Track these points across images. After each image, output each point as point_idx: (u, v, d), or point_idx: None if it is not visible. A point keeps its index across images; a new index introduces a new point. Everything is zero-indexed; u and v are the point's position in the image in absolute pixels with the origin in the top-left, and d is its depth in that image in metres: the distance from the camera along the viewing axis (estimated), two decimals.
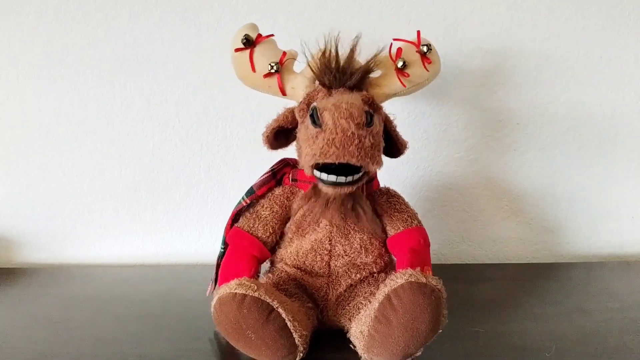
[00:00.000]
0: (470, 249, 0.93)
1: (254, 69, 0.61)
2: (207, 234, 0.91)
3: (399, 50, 0.63)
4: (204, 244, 0.92)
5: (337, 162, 0.49)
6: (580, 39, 0.84)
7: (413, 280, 0.51)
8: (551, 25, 0.84)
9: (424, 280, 0.51)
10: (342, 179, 0.51)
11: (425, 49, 0.62)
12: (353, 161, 0.49)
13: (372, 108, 0.55)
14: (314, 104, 0.52)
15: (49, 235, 0.91)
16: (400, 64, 0.61)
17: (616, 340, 0.61)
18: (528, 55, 0.85)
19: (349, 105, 0.50)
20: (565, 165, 0.89)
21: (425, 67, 0.63)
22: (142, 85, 0.86)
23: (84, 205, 0.90)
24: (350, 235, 0.60)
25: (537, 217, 0.91)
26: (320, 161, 0.50)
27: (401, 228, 0.61)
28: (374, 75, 0.61)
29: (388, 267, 0.63)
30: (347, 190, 0.53)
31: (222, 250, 0.64)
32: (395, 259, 0.63)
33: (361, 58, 0.60)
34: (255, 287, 0.52)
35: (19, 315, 0.70)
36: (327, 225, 0.60)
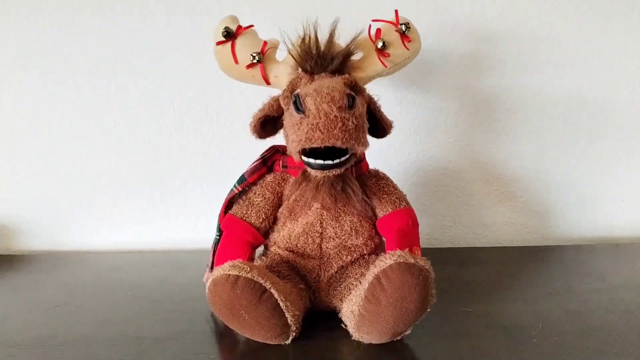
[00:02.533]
0: (462, 233, 0.94)
1: (236, 61, 0.62)
2: (203, 221, 0.93)
3: (378, 30, 0.63)
4: (200, 230, 0.93)
5: (322, 145, 0.51)
6: (571, 24, 0.85)
7: (401, 260, 0.52)
8: (542, 11, 0.85)
9: (412, 260, 0.53)
10: (329, 161, 0.53)
11: (403, 27, 0.63)
12: (338, 144, 0.51)
13: (355, 90, 0.56)
14: (297, 90, 0.53)
15: (48, 223, 0.93)
16: (380, 44, 0.62)
17: (601, 319, 0.63)
18: (519, 41, 0.86)
19: (330, 89, 0.51)
20: (556, 149, 0.90)
21: (405, 45, 0.63)
22: (137, 75, 0.87)
23: (82, 194, 0.92)
24: (340, 218, 0.62)
25: (528, 201, 0.93)
26: (307, 146, 0.52)
27: (390, 210, 0.63)
28: (355, 58, 0.62)
29: (378, 249, 0.65)
30: (335, 172, 0.55)
31: (217, 237, 0.66)
32: (385, 240, 0.64)
33: (341, 42, 0.61)
34: (248, 269, 0.53)
35: (19, 301, 0.71)
36: (318, 209, 0.61)
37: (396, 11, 0.64)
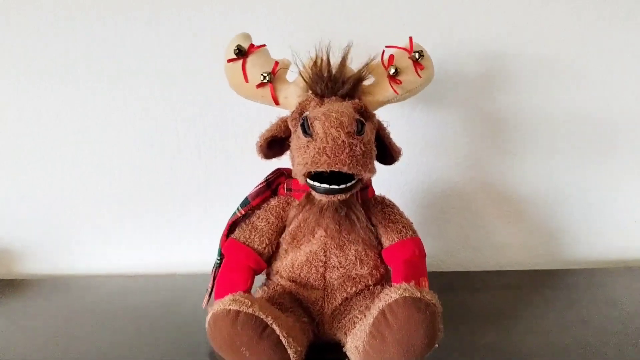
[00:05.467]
0: (471, 256, 0.92)
1: (246, 79, 0.61)
2: (207, 243, 0.91)
3: (391, 57, 0.63)
4: (203, 253, 0.91)
5: (328, 170, 0.50)
6: (578, 41, 0.83)
7: (407, 295, 0.50)
8: (551, 29, 0.83)
9: (418, 294, 0.51)
10: (334, 186, 0.52)
11: (417, 55, 0.62)
12: (345, 169, 0.50)
13: (364, 116, 0.55)
14: (305, 113, 0.52)
15: (50, 246, 0.92)
16: (392, 71, 0.61)
17: (616, 352, 0.60)
18: (526, 59, 0.84)
19: (339, 114, 0.50)
20: (566, 169, 0.88)
21: (417, 73, 0.62)
22: (140, 96, 0.86)
23: (84, 216, 0.91)
24: (345, 247, 0.60)
25: (539, 222, 0.90)
26: (313, 170, 0.51)
27: (395, 239, 0.61)
28: (367, 83, 0.61)
29: (384, 279, 0.63)
30: (340, 197, 0.54)
31: (218, 261, 0.64)
32: (391, 270, 0.62)
33: (353, 66, 0.60)
34: (249, 303, 0.51)
35: (18, 329, 0.70)
36: (322, 237, 0.60)
37: (410, 38, 0.63)
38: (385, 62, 0.62)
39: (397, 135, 0.85)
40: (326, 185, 0.52)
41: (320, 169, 0.50)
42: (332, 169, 0.50)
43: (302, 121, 0.51)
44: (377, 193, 0.66)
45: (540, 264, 0.92)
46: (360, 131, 0.50)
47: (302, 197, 0.58)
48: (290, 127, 0.58)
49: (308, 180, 0.53)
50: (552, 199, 0.89)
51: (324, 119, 0.50)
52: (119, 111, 0.86)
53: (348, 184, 0.52)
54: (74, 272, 0.92)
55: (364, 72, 0.59)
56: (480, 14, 0.82)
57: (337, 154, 0.49)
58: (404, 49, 0.63)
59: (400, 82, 0.61)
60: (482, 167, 0.88)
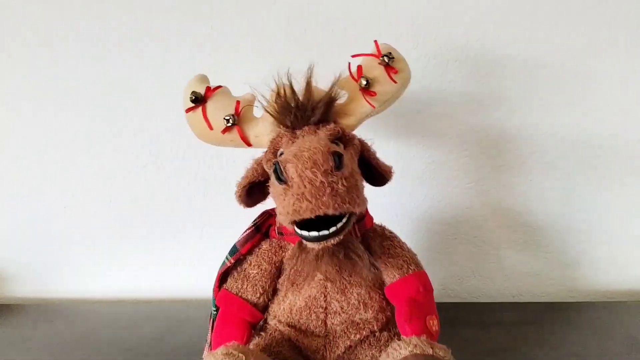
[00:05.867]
0: (481, 284, 0.87)
1: (210, 127, 0.56)
2: (203, 267, 0.87)
3: (359, 68, 0.56)
4: (199, 277, 0.87)
5: (313, 216, 0.45)
6: (605, 60, 0.78)
7: (418, 352, 0.47)
8: (575, 44, 0.77)
9: (430, 351, 0.47)
10: (325, 232, 0.46)
11: (386, 59, 0.55)
12: (330, 211, 0.45)
13: (343, 141, 0.51)
14: (275, 159, 0.47)
15: (38, 268, 0.88)
16: (363, 83, 0.55)
17: None
18: (546, 77, 0.78)
19: (311, 152, 0.45)
20: (585, 195, 0.83)
21: (391, 78, 0.56)
22: (132, 112, 0.81)
23: (74, 237, 0.87)
24: (347, 290, 0.55)
25: (554, 250, 0.85)
26: (296, 219, 0.46)
27: (397, 276, 0.56)
28: (340, 101, 0.55)
29: (390, 323, 0.58)
30: (334, 241, 0.48)
31: (215, 312, 0.59)
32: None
33: (322, 86, 0.55)
34: (244, 357, 0.47)
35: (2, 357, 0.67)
36: (321, 280, 0.55)
37: (375, 42, 0.57)
38: (355, 74, 0.56)
39: (402, 159, 0.81)
40: (315, 233, 0.46)
41: (304, 217, 0.45)
42: (316, 214, 0.45)
43: (273, 166, 0.46)
44: (376, 222, 0.60)
45: (552, 294, 0.87)
46: (338, 165, 0.45)
47: (295, 245, 0.52)
48: (265, 168, 0.53)
49: (296, 229, 0.47)
50: (568, 226, 0.84)
51: (296, 161, 0.44)
52: (108, 128, 0.82)
53: (339, 225, 0.47)
54: (64, 296, 0.88)
55: (334, 92, 0.53)
56: (494, 27, 0.77)
57: (318, 197, 0.44)
58: (372, 55, 0.57)
59: (375, 94, 0.55)
60: (496, 192, 0.83)
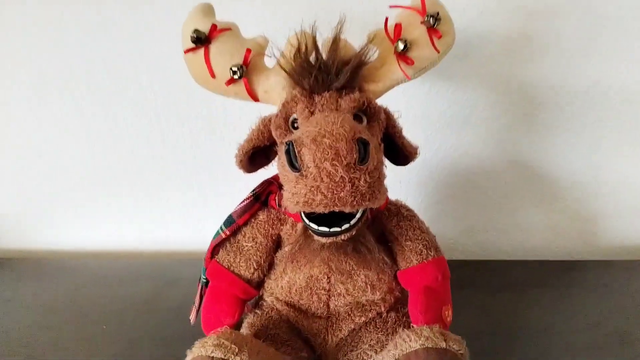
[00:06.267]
0: (493, 238, 0.82)
1: (212, 74, 0.47)
2: (194, 220, 0.81)
3: (398, 27, 0.47)
4: (192, 230, 0.82)
5: (326, 211, 0.39)
6: None
7: (430, 345, 0.42)
8: None
9: (443, 344, 0.42)
10: (336, 228, 0.41)
11: (432, 20, 0.46)
12: (347, 209, 0.39)
13: (368, 114, 0.44)
14: (289, 139, 0.39)
15: (21, 219, 0.82)
16: (400, 47, 0.46)
17: None
18: (579, 18, 0.67)
19: (334, 137, 0.37)
20: (612, 146, 0.75)
21: (434, 45, 0.47)
22: (112, 62, 0.71)
23: (57, 190, 0.80)
24: (353, 273, 0.49)
25: (574, 204, 0.79)
26: (306, 210, 0.39)
27: (414, 261, 0.50)
28: (370, 60, 0.46)
29: (399, 303, 0.52)
30: (345, 237, 0.42)
31: (205, 279, 0.53)
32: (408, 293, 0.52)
33: (352, 41, 0.46)
34: (237, 349, 0.42)
35: None
36: (324, 259, 0.49)
37: None
38: (391, 33, 0.47)
39: (417, 106, 0.72)
40: (325, 229, 0.40)
41: (316, 211, 0.39)
42: (331, 210, 0.38)
43: (286, 147, 0.38)
44: (391, 198, 0.53)
45: (568, 248, 0.82)
46: (363, 158, 0.37)
47: (298, 229, 0.46)
48: (274, 136, 0.45)
49: (304, 218, 0.41)
50: (592, 178, 0.77)
51: (314, 148, 0.37)
52: (88, 77, 0.73)
53: (353, 222, 0.41)
54: (46, 247, 0.83)
55: (364, 55, 0.44)
56: None
57: (335, 192, 0.37)
58: (415, 9, 0.47)
59: (412, 62, 0.46)
60: (515, 142, 0.75)
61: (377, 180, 0.39)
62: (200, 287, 0.55)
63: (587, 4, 0.66)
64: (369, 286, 0.50)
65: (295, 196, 0.38)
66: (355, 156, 0.37)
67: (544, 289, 0.70)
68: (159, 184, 0.79)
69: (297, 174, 0.38)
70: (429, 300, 0.49)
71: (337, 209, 0.38)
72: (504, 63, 0.70)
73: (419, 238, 0.51)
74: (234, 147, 0.76)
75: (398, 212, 0.52)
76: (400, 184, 0.78)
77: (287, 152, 0.38)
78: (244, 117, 0.74)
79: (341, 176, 0.37)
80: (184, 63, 0.49)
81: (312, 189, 0.37)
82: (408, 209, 0.53)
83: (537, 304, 0.66)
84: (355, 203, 0.38)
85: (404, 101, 0.71)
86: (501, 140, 0.75)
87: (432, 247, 0.51)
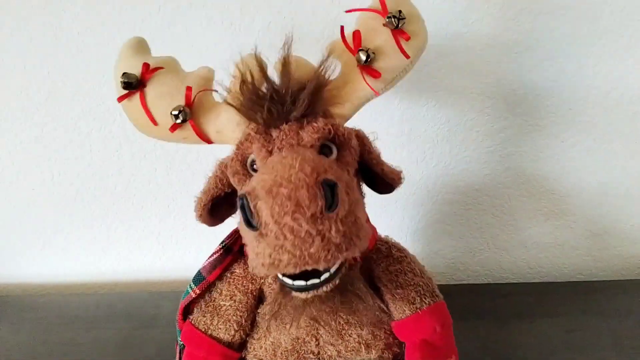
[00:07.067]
0: (496, 256, 0.76)
1: (154, 122, 0.40)
2: (172, 247, 0.74)
3: (356, 35, 0.40)
4: (169, 257, 0.75)
5: (297, 272, 0.32)
6: None
7: None
8: None
9: None
10: (315, 280, 0.34)
11: (395, 20, 0.39)
12: (321, 265, 0.32)
13: (337, 143, 0.37)
14: (242, 192, 0.32)
15: None
16: (362, 58, 0.39)
17: None
18: (590, 20, 0.61)
19: (292, 186, 0.30)
20: (627, 159, 0.69)
21: (402, 49, 0.39)
22: (68, 66, 0.64)
23: (19, 219, 0.73)
24: (344, 332, 0.43)
25: (583, 219, 0.73)
26: (274, 273, 0.33)
27: (407, 312, 0.44)
28: (331, 78, 0.39)
29: (398, 358, 0.46)
30: (327, 288, 0.35)
31: (182, 344, 0.46)
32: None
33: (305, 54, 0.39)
34: None
35: None
36: (311, 319, 0.43)
37: None
38: (351, 43, 0.40)
39: (413, 119, 0.66)
40: (301, 282, 0.34)
41: (286, 272, 0.32)
42: (301, 270, 0.32)
43: (240, 202, 0.31)
44: (381, 234, 0.47)
45: (576, 265, 0.76)
46: (331, 205, 0.31)
47: (275, 287, 0.39)
48: (232, 183, 0.39)
49: (277, 275, 0.35)
50: (604, 193, 0.71)
51: (271, 201, 0.30)
52: (40, 88, 0.65)
53: (333, 270, 0.34)
54: (14, 282, 0.76)
55: (323, 75, 0.37)
56: None
57: (303, 249, 0.30)
58: (373, 10, 0.40)
59: (379, 75, 0.39)
60: (521, 156, 0.68)
61: (352, 225, 0.32)
62: (178, 350, 0.48)
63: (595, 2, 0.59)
64: (363, 346, 0.43)
65: (259, 257, 0.32)
66: (320, 204, 0.30)
67: (555, 318, 0.64)
68: (132, 210, 0.72)
69: (255, 232, 0.31)
70: (425, 357, 0.43)
71: (309, 268, 0.31)
72: (508, 71, 0.63)
73: (411, 283, 0.44)
74: (212, 166, 0.70)
75: (389, 254, 0.45)
76: (396, 203, 0.71)
77: (242, 208, 0.31)
78: None
79: (306, 230, 0.30)
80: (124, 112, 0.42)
81: (277, 247, 0.31)
82: (399, 249, 0.46)
83: (548, 335, 0.61)
84: (330, 257, 0.31)
85: (398, 115, 0.65)
86: (504, 154, 0.68)
87: (427, 292, 0.44)
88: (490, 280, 0.77)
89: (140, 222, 0.73)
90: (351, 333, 0.43)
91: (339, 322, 0.42)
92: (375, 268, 0.44)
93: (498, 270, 0.77)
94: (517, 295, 0.69)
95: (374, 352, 0.44)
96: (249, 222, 0.31)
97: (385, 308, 0.44)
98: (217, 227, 0.71)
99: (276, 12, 0.59)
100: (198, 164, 0.69)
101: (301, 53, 0.39)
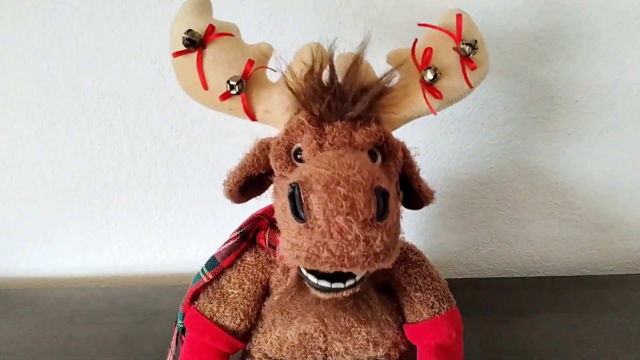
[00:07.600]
0: (500, 250, 0.75)
1: (205, 86, 0.39)
2: (173, 241, 0.74)
3: (428, 52, 0.40)
4: (169, 252, 0.75)
5: (331, 271, 0.32)
6: None
7: None
8: None
9: None
10: (339, 284, 0.34)
11: (468, 48, 0.40)
12: (357, 270, 0.32)
13: (383, 151, 0.37)
14: (295, 182, 0.31)
15: None
16: (429, 76, 0.39)
17: None
18: (598, 11, 0.60)
19: (350, 187, 0.30)
20: (634, 152, 0.68)
21: (466, 77, 0.40)
22: (68, 60, 0.63)
23: (21, 214, 0.72)
24: (353, 330, 0.43)
25: (588, 213, 0.72)
26: (306, 267, 0.33)
27: (425, 315, 0.44)
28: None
29: (404, 358, 0.46)
30: (347, 294, 0.35)
31: (181, 325, 0.47)
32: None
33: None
34: None
35: None
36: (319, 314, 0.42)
37: (459, 16, 0.40)
38: (419, 58, 0.40)
39: None
40: (326, 284, 0.34)
41: (320, 269, 0.32)
42: (337, 271, 0.32)
43: (290, 190, 0.31)
44: None
45: (582, 259, 0.76)
46: (382, 213, 0.30)
47: (291, 278, 0.39)
48: (273, 166, 0.38)
49: (302, 270, 0.35)
50: (609, 186, 0.70)
51: (326, 197, 0.30)
52: (40, 84, 0.64)
53: (357, 278, 0.34)
54: (15, 276, 0.76)
55: (387, 83, 0.37)
56: None
57: (345, 251, 0.30)
58: (447, 31, 0.41)
59: (441, 96, 0.39)
60: (525, 149, 0.68)
61: (394, 237, 0.32)
62: (176, 332, 0.48)
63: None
64: (371, 343, 0.43)
65: (295, 248, 0.31)
66: (373, 211, 0.30)
67: (561, 314, 0.63)
68: (133, 205, 0.71)
69: (301, 223, 0.31)
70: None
71: (345, 270, 0.31)
72: (515, 62, 0.63)
73: (430, 287, 0.44)
74: (213, 161, 0.70)
75: (405, 258, 0.45)
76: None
77: (291, 197, 0.31)
78: (222, 129, 0.66)
79: (356, 234, 0.30)
80: (173, 67, 0.41)
81: (318, 244, 0.30)
82: (416, 252, 0.46)
83: (552, 330, 0.61)
84: (367, 264, 0.31)
85: None
86: (509, 147, 0.68)
87: (445, 297, 0.45)
88: (494, 275, 0.76)
89: (140, 217, 0.72)
90: (360, 330, 0.43)
91: (348, 320, 0.42)
92: (394, 272, 0.44)
93: (502, 264, 0.76)
94: (521, 289, 0.68)
95: (381, 349, 0.44)
96: (296, 213, 0.31)
97: (391, 321, 0.43)
98: (218, 219, 0.72)
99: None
100: (199, 159, 0.68)
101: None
